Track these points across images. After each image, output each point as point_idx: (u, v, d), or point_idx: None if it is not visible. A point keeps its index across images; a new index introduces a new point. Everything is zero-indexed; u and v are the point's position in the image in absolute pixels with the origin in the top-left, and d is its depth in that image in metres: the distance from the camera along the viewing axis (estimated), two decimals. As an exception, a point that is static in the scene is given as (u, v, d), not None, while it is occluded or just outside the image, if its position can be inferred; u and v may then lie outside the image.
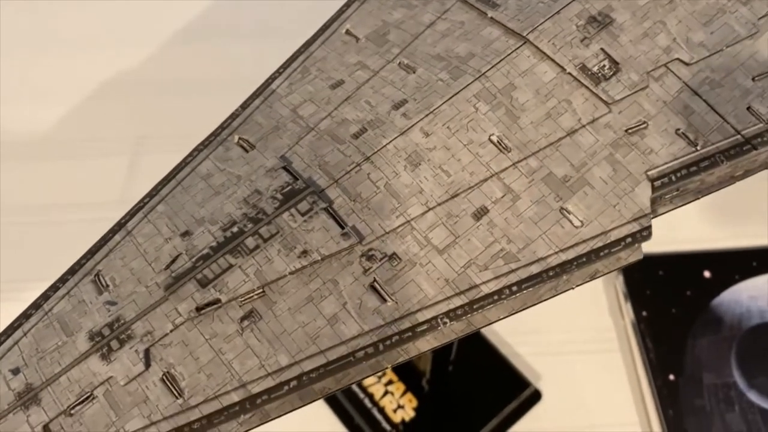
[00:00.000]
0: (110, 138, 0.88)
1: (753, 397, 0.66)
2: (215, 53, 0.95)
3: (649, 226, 0.35)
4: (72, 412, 0.30)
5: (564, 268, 0.34)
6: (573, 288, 0.35)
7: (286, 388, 0.31)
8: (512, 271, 0.34)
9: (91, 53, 0.96)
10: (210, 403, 0.30)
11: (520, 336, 0.71)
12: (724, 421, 0.65)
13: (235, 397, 0.31)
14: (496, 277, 0.34)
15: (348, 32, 0.42)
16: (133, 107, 0.91)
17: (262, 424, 0.32)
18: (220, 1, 1.02)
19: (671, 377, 0.67)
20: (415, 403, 0.66)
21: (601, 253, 0.35)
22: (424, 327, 0.33)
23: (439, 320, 0.33)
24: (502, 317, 0.34)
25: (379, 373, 0.67)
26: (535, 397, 0.67)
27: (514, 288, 0.34)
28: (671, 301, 0.72)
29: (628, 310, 0.71)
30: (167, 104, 0.90)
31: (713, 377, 0.68)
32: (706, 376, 0.68)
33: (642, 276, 0.73)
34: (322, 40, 0.42)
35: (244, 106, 0.40)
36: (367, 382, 0.67)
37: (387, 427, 0.65)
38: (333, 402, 0.67)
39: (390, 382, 0.67)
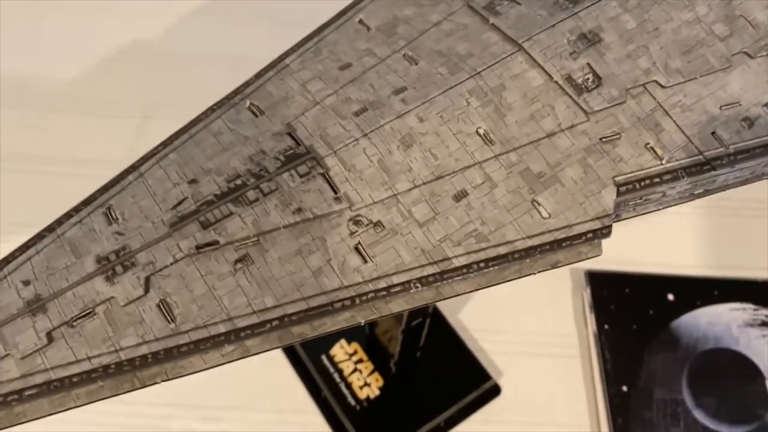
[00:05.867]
0: (120, 101, 0.91)
1: (698, 415, 0.70)
2: (231, 33, 0.98)
3: (610, 226, 0.39)
4: (74, 324, 0.33)
5: (529, 252, 0.38)
6: (535, 273, 0.39)
7: (268, 326, 0.34)
8: (482, 249, 0.38)
9: (111, 18, 0.99)
10: (198, 331, 0.34)
11: (487, 333, 0.75)
12: (668, 435, 0.69)
13: (222, 329, 0.34)
14: (467, 253, 0.37)
15: (361, 21, 0.46)
16: (145, 74, 0.94)
17: (242, 358, 0.35)
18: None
19: (624, 388, 0.71)
20: (381, 382, 0.69)
21: (564, 244, 0.38)
22: (398, 288, 0.36)
23: (411, 284, 0.36)
24: (468, 291, 0.38)
25: (350, 351, 0.71)
26: (495, 391, 0.71)
27: (482, 265, 0.37)
28: (633, 318, 0.76)
29: (591, 321, 0.75)
30: (179, 75, 0.93)
31: (664, 392, 0.72)
32: (657, 391, 0.72)
33: (609, 291, 0.77)
34: (336, 26, 0.46)
35: (258, 75, 0.44)
36: (338, 358, 0.71)
37: (352, 402, 0.68)
38: (304, 374, 0.71)
39: (360, 361, 0.70)
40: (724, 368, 0.74)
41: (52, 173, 0.84)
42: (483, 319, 0.76)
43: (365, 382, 0.69)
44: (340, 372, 0.70)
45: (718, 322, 0.77)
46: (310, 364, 0.71)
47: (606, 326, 0.75)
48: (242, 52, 0.96)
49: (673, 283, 0.79)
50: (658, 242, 0.83)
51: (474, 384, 0.70)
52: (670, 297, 0.78)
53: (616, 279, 0.78)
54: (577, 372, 0.74)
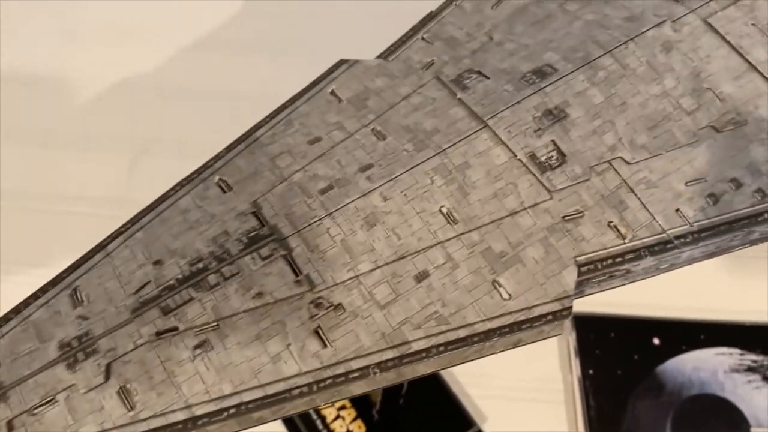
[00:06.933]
0: (113, 136, 0.92)
1: (682, 463, 0.70)
2: (226, 67, 0.99)
3: (570, 307, 0.39)
4: (35, 412, 0.34)
5: (488, 335, 0.38)
6: (497, 353, 0.39)
7: (225, 414, 0.35)
8: (442, 332, 0.38)
9: (105, 53, 1.00)
10: (157, 419, 0.34)
11: (471, 377, 0.75)
12: (652, 483, 0.69)
13: (180, 416, 0.35)
14: (427, 336, 0.38)
15: (333, 93, 0.47)
16: (141, 109, 0.94)
17: (201, 441, 0.36)
18: (239, 17, 1.06)
19: (608, 435, 0.71)
20: (363, 429, 0.70)
21: (524, 326, 0.39)
22: (357, 374, 0.37)
23: (370, 369, 0.37)
24: (430, 371, 0.38)
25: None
26: (478, 437, 0.71)
27: (441, 348, 0.38)
28: (618, 363, 0.76)
29: (576, 366, 0.75)
30: (175, 110, 0.93)
31: (647, 439, 0.71)
32: (641, 438, 0.71)
33: (594, 336, 0.77)
34: (308, 96, 0.47)
35: (229, 149, 0.44)
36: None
37: (334, 449, 0.69)
38: (286, 421, 0.71)
39: (343, 408, 0.71)
40: (709, 414, 0.74)
41: (45, 211, 0.85)
42: (468, 363, 0.76)
43: (348, 429, 0.69)
44: (323, 419, 0.70)
45: (703, 367, 0.76)
46: (294, 408, 0.71)
47: (591, 371, 0.75)
48: (238, 87, 0.97)
49: (659, 326, 0.79)
50: (645, 283, 0.83)
51: (457, 431, 0.70)
52: (656, 341, 0.78)
53: (602, 322, 0.78)
54: (561, 418, 0.74)
